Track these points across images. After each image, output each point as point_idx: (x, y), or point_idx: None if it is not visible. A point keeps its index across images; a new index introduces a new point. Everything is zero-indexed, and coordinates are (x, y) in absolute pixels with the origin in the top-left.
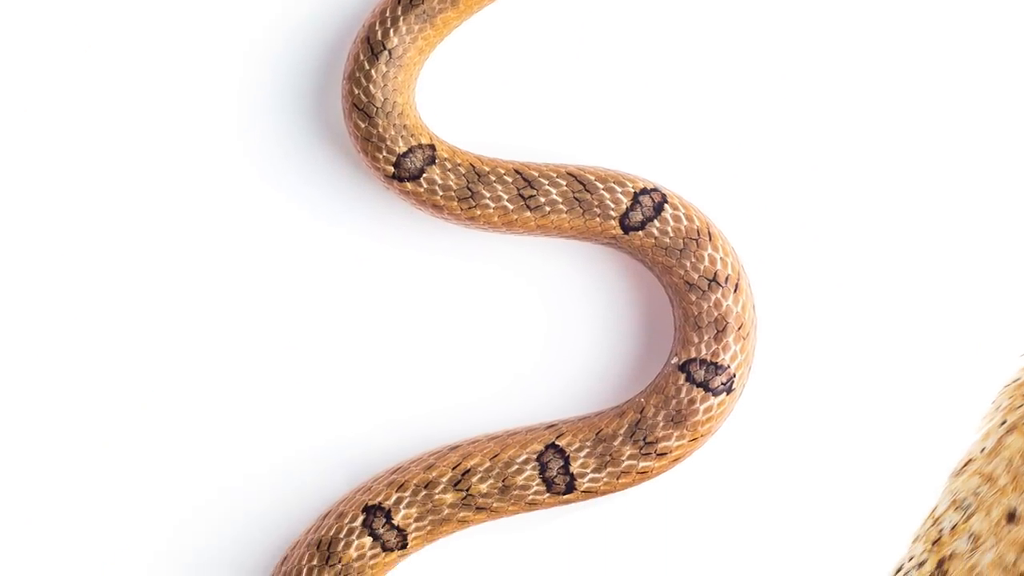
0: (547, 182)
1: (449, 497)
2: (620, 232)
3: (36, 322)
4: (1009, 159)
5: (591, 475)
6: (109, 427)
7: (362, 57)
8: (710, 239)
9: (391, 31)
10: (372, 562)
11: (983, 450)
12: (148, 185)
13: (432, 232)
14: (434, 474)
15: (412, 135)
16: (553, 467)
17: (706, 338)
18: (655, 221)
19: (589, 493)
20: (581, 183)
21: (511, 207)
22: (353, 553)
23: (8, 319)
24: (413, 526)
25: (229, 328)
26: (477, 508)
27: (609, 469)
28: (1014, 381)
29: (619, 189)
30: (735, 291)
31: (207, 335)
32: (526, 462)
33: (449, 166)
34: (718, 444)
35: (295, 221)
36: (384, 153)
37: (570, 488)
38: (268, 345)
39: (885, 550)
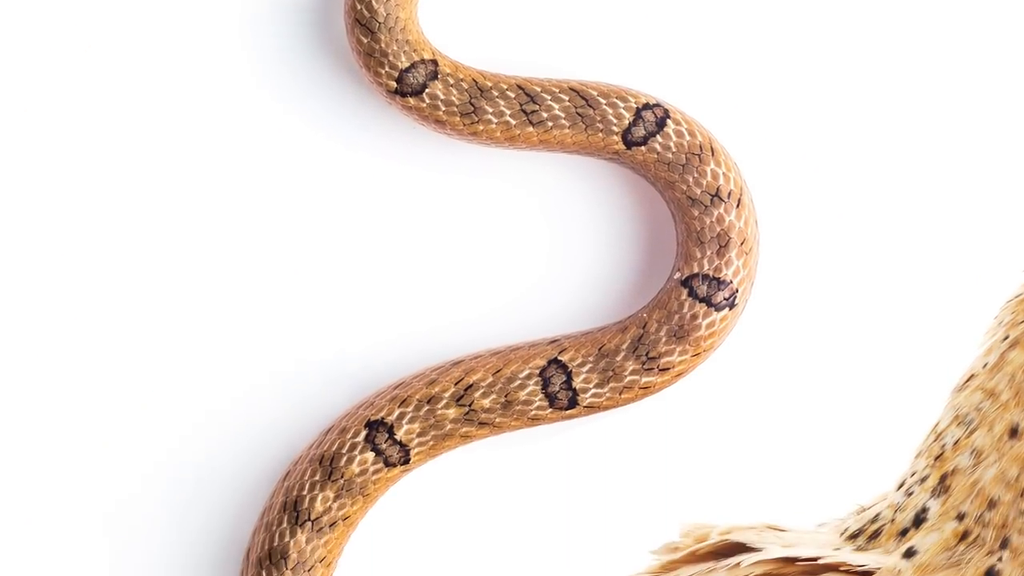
0: (549, 97)
1: (451, 412)
2: (623, 147)
3: (33, 316)
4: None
5: (594, 390)
6: (110, 368)
7: None
8: (713, 154)
9: None
10: (374, 477)
11: (985, 365)
12: (154, 123)
13: (434, 147)
14: (436, 389)
15: (415, 50)
16: (556, 382)
17: (709, 253)
18: (658, 136)
19: (591, 408)
20: (584, 98)
21: (513, 122)
22: (355, 468)
23: (8, 319)
24: (415, 441)
25: (231, 244)
26: (480, 423)
27: (612, 384)
28: (1016, 296)
29: (622, 104)
30: (737, 206)
31: (211, 247)
32: (528, 377)
33: (452, 81)
34: (720, 359)
35: (299, 137)
36: (387, 68)
37: (572, 403)
38: (270, 261)
39: (888, 465)
